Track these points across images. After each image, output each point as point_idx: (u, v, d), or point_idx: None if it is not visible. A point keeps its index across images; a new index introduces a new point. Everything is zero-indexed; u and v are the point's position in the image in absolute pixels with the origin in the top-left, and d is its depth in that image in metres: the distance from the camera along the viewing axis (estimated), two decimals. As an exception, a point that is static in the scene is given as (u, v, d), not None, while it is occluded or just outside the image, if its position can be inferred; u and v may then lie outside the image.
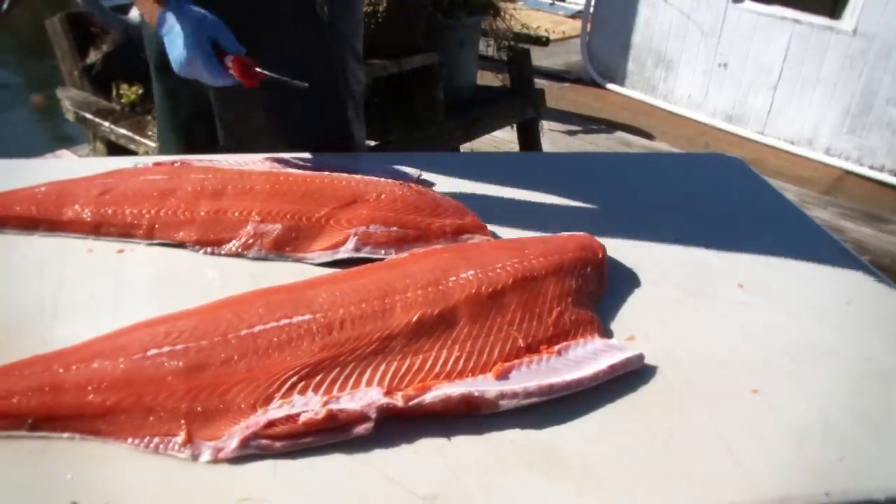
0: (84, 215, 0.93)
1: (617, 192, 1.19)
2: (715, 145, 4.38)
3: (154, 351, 0.68)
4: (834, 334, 0.88)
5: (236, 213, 0.92)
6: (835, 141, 4.30)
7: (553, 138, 4.01)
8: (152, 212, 0.92)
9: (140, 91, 1.95)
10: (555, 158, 1.31)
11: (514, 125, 3.13)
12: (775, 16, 4.43)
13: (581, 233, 0.96)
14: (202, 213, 0.92)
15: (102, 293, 0.84)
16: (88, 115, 2.01)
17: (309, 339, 0.70)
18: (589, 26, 5.48)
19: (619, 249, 0.99)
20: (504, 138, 3.25)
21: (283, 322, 0.72)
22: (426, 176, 1.14)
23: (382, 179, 1.01)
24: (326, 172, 1.01)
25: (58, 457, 0.61)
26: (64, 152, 2.70)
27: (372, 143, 2.51)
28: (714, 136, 4.58)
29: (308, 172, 1.01)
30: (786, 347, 0.84)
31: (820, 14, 4.27)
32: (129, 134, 1.88)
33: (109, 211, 0.93)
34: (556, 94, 4.91)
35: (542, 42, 3.31)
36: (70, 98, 2.11)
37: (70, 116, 2.09)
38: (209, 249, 0.90)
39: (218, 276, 0.87)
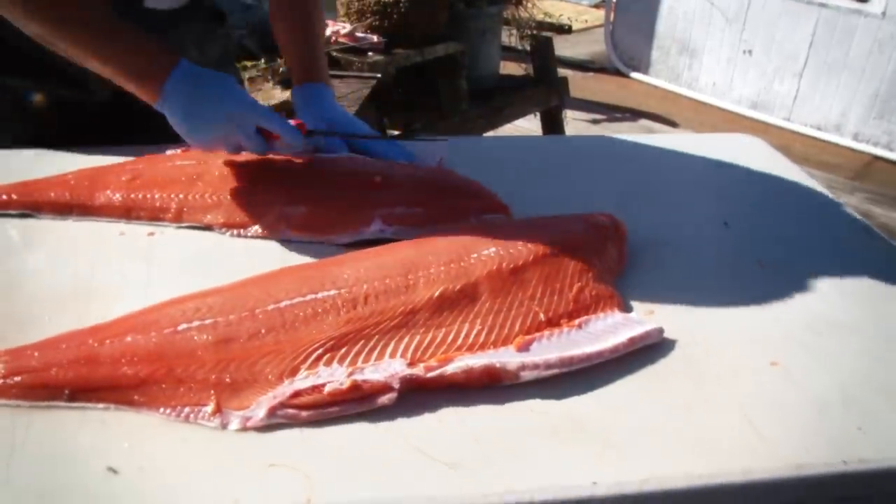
0: (115, 200, 0.96)
1: (639, 173, 1.19)
2: (740, 132, 4.33)
3: (184, 325, 0.71)
4: (855, 310, 0.88)
5: (262, 197, 0.94)
6: (863, 126, 4.24)
7: (576, 127, 4.00)
8: (181, 196, 0.95)
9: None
10: (576, 141, 1.32)
11: (538, 114, 3.13)
12: (801, 0, 4.37)
13: (602, 212, 0.97)
14: (229, 197, 0.94)
15: (134, 274, 0.86)
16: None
17: (334, 313, 0.72)
18: (612, 15, 5.45)
19: (641, 227, 0.99)
20: (527, 127, 3.26)
21: (308, 297, 0.74)
22: (450, 160, 1.16)
23: (406, 163, 1.03)
24: (350, 156, 1.03)
25: (94, 426, 0.64)
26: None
27: (395, 132, 2.54)
28: (739, 124, 4.54)
29: (333, 156, 1.02)
30: (806, 321, 0.85)
31: (847, -3, 4.21)
32: None
33: (140, 195, 0.96)
34: (580, 84, 4.90)
35: (565, 30, 3.32)
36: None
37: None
38: (236, 232, 0.92)
39: (245, 258, 0.89)
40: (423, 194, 0.96)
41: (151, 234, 0.94)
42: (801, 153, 4.08)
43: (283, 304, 0.73)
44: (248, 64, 2.05)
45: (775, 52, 4.58)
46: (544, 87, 2.97)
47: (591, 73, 5.35)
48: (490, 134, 2.82)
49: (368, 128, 1.10)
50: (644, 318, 0.81)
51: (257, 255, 0.89)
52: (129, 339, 0.69)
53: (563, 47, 5.40)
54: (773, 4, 4.54)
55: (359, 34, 2.41)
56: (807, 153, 4.10)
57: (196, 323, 0.71)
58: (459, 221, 0.94)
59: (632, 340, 0.75)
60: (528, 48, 3.02)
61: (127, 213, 0.95)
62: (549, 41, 2.99)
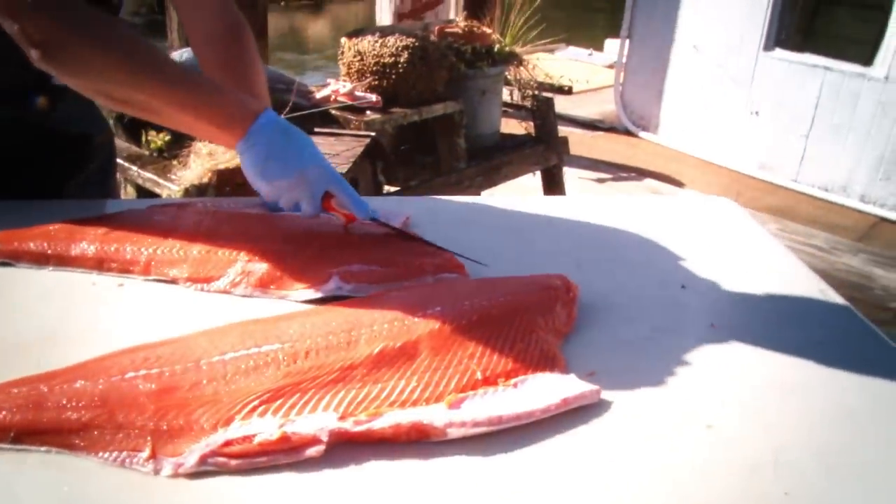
0: (89, 252, 1.00)
1: (604, 235, 1.22)
2: (746, 193, 4.37)
3: (131, 373, 0.74)
4: (804, 373, 0.89)
5: (226, 253, 0.98)
6: (870, 188, 4.26)
7: (581, 185, 4.05)
8: (150, 250, 0.99)
9: (167, 138, 2.06)
10: (551, 201, 1.36)
11: (538, 172, 3.19)
12: (807, 63, 4.44)
13: (557, 274, 0.99)
14: (195, 253, 0.99)
15: (100, 323, 0.90)
16: (119, 161, 2.13)
17: (274, 366, 0.75)
18: (622, 75, 5.56)
19: (597, 289, 1.02)
20: (527, 185, 3.31)
21: (252, 350, 0.77)
22: (416, 219, 1.20)
23: (368, 222, 1.07)
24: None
25: (35, 468, 0.67)
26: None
27: (393, 188, 2.60)
28: (746, 184, 4.58)
29: (298, 215, 1.07)
30: (750, 384, 0.86)
31: (851, 61, 4.27)
32: (154, 177, 1.99)
33: (112, 248, 1.00)
34: (588, 143, 4.98)
35: (565, 91, 3.38)
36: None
37: (103, 162, 2.21)
38: (200, 287, 0.96)
39: (207, 312, 0.93)
40: (381, 253, 1.00)
41: (122, 285, 0.98)
42: (808, 214, 4.09)
43: (227, 357, 0.76)
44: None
45: (782, 113, 4.64)
46: (544, 146, 3.03)
47: (600, 132, 5.43)
48: (489, 191, 2.88)
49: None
50: (583, 379, 0.83)
51: (218, 310, 0.93)
52: (77, 384, 0.73)
53: (574, 107, 5.50)
54: (779, 67, 4.62)
55: (358, 93, 2.49)
56: (813, 214, 4.11)
57: (143, 371, 0.74)
58: (415, 279, 0.98)
59: (565, 401, 0.77)
60: (530, 107, 3.09)
61: (99, 264, 1.00)
62: (549, 101, 3.06)
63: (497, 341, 0.84)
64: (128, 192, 2.03)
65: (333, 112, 2.40)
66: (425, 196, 1.39)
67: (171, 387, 0.73)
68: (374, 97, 2.48)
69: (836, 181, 4.38)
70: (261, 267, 0.97)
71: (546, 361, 0.84)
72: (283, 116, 2.19)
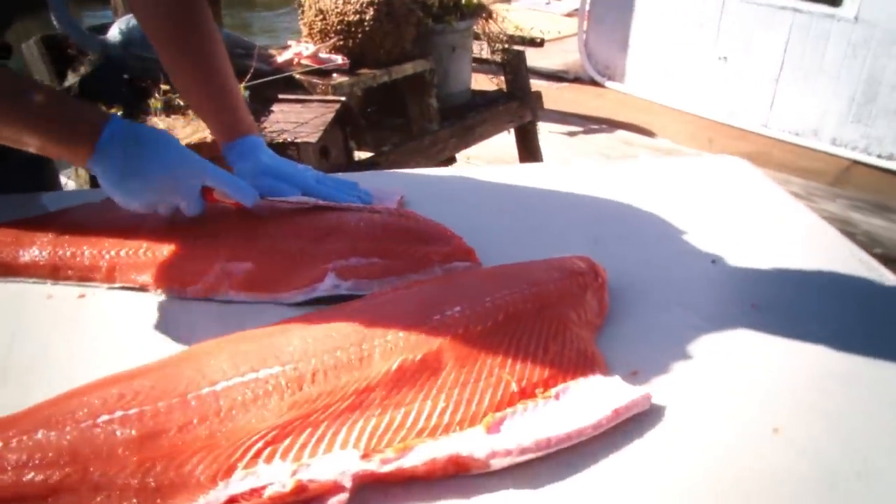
0: (41, 258, 0.87)
1: (619, 206, 1.11)
2: (718, 140, 4.30)
3: (105, 417, 0.61)
4: (866, 358, 0.80)
5: (202, 252, 0.85)
6: (840, 131, 4.22)
7: (552, 140, 3.94)
8: (112, 252, 0.86)
9: (119, 113, 1.88)
10: (550, 171, 1.24)
11: (512, 130, 3.06)
12: (775, 6, 4.35)
13: (578, 255, 0.88)
14: (165, 253, 0.85)
15: (59, 346, 0.77)
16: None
17: (277, 395, 0.63)
18: (585, 24, 5.41)
19: (623, 271, 0.91)
20: (501, 143, 3.18)
21: (248, 377, 0.65)
22: (410, 196, 1.07)
23: (361, 205, 0.94)
24: (298, 199, 0.94)
25: (-7, 547, 0.54)
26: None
27: (366, 154, 2.45)
28: (717, 131, 4.51)
29: (279, 200, 0.93)
30: (810, 376, 0.77)
31: (820, 2, 4.19)
32: None
33: (68, 252, 0.86)
34: (555, 95, 4.85)
35: (537, 43, 3.24)
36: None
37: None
38: (174, 293, 0.83)
39: (184, 323, 0.80)
40: (380, 242, 0.87)
41: (82, 296, 0.84)
42: (779, 159, 4.04)
43: (219, 387, 0.64)
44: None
45: (750, 57, 4.56)
46: (517, 103, 2.90)
47: (565, 84, 5.31)
48: (463, 153, 2.75)
49: (313, 171, 1.01)
50: (628, 380, 0.73)
51: (197, 320, 0.80)
52: (39, 434, 0.60)
53: (536, 58, 5.35)
54: (746, 10, 4.52)
55: (322, 55, 2.32)
56: (785, 159, 4.07)
57: (119, 413, 0.62)
58: (421, 271, 0.86)
59: (616, 413, 0.67)
60: (500, 61, 2.95)
61: (55, 272, 0.86)
62: (521, 55, 2.92)
63: (528, 343, 0.73)
64: (80, 178, 1.85)
65: (298, 77, 2.23)
66: (408, 170, 1.26)
67: (155, 431, 0.60)
68: (340, 59, 2.32)
69: (807, 125, 4.34)
70: (243, 266, 0.84)
71: (585, 363, 0.73)
72: (244, 84, 2.03)
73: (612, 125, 4.44)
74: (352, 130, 2.19)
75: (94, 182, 1.87)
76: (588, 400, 0.68)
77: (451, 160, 2.68)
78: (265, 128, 1.95)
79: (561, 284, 0.81)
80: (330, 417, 0.63)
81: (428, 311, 0.73)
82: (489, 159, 3.55)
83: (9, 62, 1.04)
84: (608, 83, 5.31)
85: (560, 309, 0.78)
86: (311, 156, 1.97)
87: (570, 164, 1.30)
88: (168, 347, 0.76)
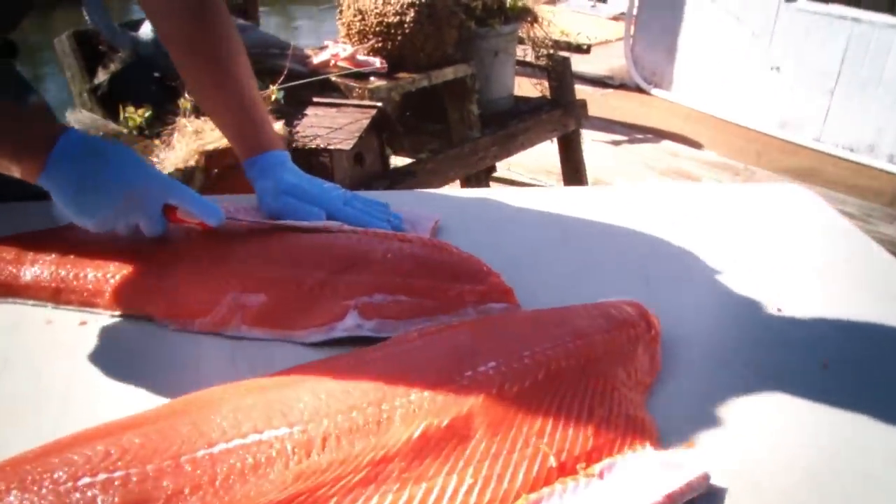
0: (43, 278, 0.80)
1: (672, 240, 1.01)
2: (767, 154, 4.15)
3: (86, 480, 0.54)
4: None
5: (213, 282, 0.78)
6: (899, 148, 4.04)
7: (596, 150, 3.83)
8: (117, 276, 0.79)
9: (147, 114, 1.84)
10: (597, 195, 1.15)
11: (555, 139, 2.96)
12: (832, 15, 4.18)
13: (628, 300, 0.79)
14: (172, 280, 0.78)
15: (53, 380, 0.70)
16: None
17: (282, 463, 0.56)
18: (632, 29, 5.28)
19: (677, 318, 0.82)
20: (544, 151, 3.08)
21: (250, 439, 0.57)
22: (445, 221, 0.99)
23: (390, 232, 0.86)
24: (324, 224, 0.86)
25: None
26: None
27: (402, 161, 2.38)
28: (766, 144, 4.35)
29: (301, 225, 0.86)
30: (885, 453, 0.67)
31: (882, 11, 4.01)
32: None
33: (70, 274, 0.80)
34: (599, 101, 4.73)
35: (584, 50, 3.13)
36: (78, 121, 2.01)
37: (76, 141, 1.97)
38: (181, 324, 0.76)
39: (190, 359, 0.73)
40: (409, 277, 0.79)
41: (83, 323, 0.77)
42: (832, 176, 3.88)
43: (216, 449, 0.56)
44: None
45: (805, 68, 4.38)
46: (561, 111, 2.80)
47: (610, 90, 5.18)
48: (504, 161, 2.66)
49: (341, 191, 0.94)
50: (683, 454, 0.64)
51: (205, 357, 0.73)
52: (12, 497, 0.53)
53: (581, 62, 5.22)
54: (801, 19, 4.35)
55: (360, 57, 2.25)
56: (838, 176, 3.90)
57: (102, 476, 0.54)
58: (453, 313, 0.77)
59: (670, 498, 0.58)
60: (545, 66, 2.85)
61: (56, 295, 0.79)
62: (566, 62, 2.82)
63: (571, 408, 0.64)
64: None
65: (334, 79, 2.16)
66: (443, 191, 1.18)
67: (141, 499, 0.53)
68: (378, 61, 2.24)
69: (863, 141, 4.15)
70: (257, 298, 0.76)
71: (634, 431, 0.64)
72: (277, 85, 1.97)
73: (657, 135, 4.31)
74: (388, 136, 2.12)
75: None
76: (637, 480, 0.59)
77: (491, 169, 2.59)
78: (297, 132, 1.88)
79: (609, 337, 0.72)
80: (341, 492, 0.54)
81: (458, 366, 0.65)
82: (531, 168, 3.46)
83: (14, 60, 0.97)
84: (654, 90, 5.16)
85: (607, 366, 0.69)
86: (345, 163, 1.90)
87: (616, 186, 1.20)
88: (171, 386, 0.69)
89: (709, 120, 4.70)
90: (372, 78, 2.22)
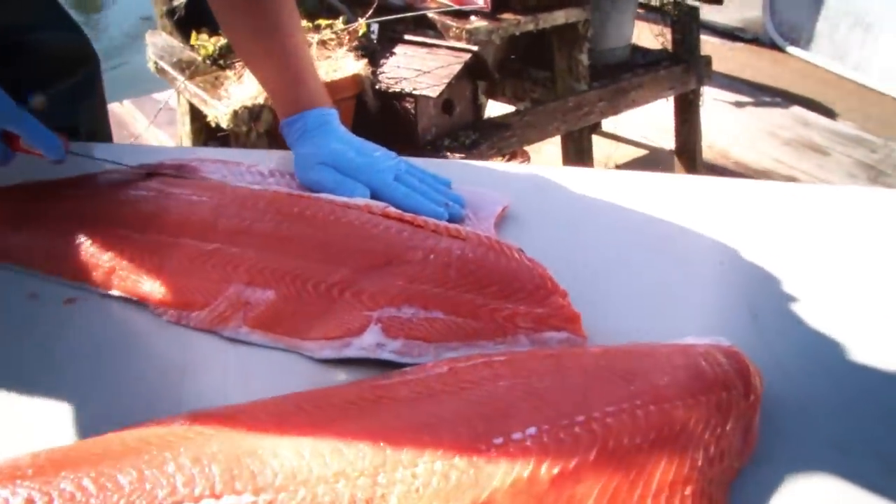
0: (35, 243, 0.70)
1: (786, 261, 0.81)
2: (915, 130, 3.69)
3: (-5, 534, 0.43)
4: None
5: (217, 270, 0.65)
6: None
7: (716, 110, 3.50)
8: (114, 252, 0.67)
9: (221, 42, 1.72)
10: (714, 187, 0.95)
11: (671, 98, 2.69)
12: None
13: (724, 345, 0.62)
14: (173, 260, 0.66)
15: (30, 364, 0.61)
16: (166, 66, 1.80)
17: (236, 546, 0.43)
18: (774, -24, 4.78)
19: (783, 373, 0.64)
20: (658, 111, 2.82)
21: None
22: (517, 206, 0.83)
23: (441, 224, 0.71)
24: (363, 202, 0.72)
25: None
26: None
27: (498, 111, 2.19)
28: (916, 120, 3.87)
29: (335, 201, 0.71)
30: None
31: None
32: (201, 93, 1.63)
33: (63, 241, 0.69)
34: (726, 56, 4.34)
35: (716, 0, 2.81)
36: (153, 44, 1.92)
37: (151, 66, 1.90)
38: (175, 315, 0.64)
39: (176, 361, 0.61)
40: (452, 287, 0.64)
41: (70, 301, 0.67)
42: None
43: (158, 514, 0.44)
44: (323, 24, 1.74)
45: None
46: (682, 67, 2.52)
47: (739, 44, 4.74)
48: (612, 119, 2.43)
49: (395, 161, 0.79)
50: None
51: (194, 361, 0.61)
52: None
53: (710, 10, 4.79)
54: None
55: (462, -6, 2.05)
56: None
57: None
58: (499, 339, 0.62)
59: None
60: (670, 14, 2.57)
61: (45, 263, 0.69)
62: (694, 12, 2.53)
63: (625, 503, 0.48)
64: (182, 108, 1.70)
65: (431, 16, 1.98)
66: (517, 167, 1.01)
67: (48, 575, 0.41)
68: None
69: None
70: (264, 295, 0.63)
71: (709, 542, 0.48)
72: (366, 18, 1.81)
73: (787, 99, 3.91)
74: (486, 83, 1.94)
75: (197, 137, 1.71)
76: None
77: (595, 126, 2.37)
78: (382, 73, 1.73)
79: (694, 403, 0.55)
80: None
81: (487, 427, 0.50)
82: (640, 127, 3.18)
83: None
84: (790, 48, 4.68)
85: (686, 447, 0.52)
86: (431, 110, 1.74)
87: (740, 181, 1.00)
88: (147, 392, 0.58)
89: (848, 86, 4.23)
90: (473, 17, 2.03)
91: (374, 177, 0.76)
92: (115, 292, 0.66)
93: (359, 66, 1.66)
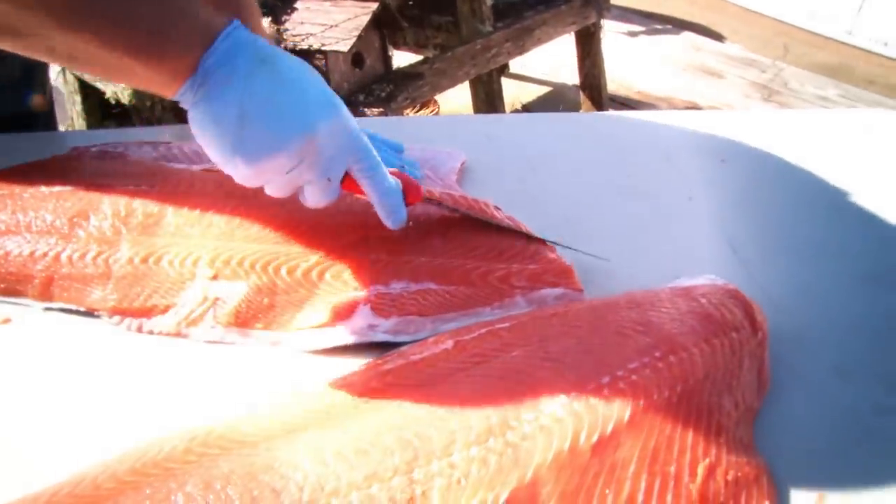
0: (-47, 257, 0.61)
1: (756, 190, 0.81)
2: (794, 47, 3.85)
3: None
4: None
5: (176, 262, 0.58)
6: (939, 42, 3.73)
7: (612, 42, 3.52)
8: (50, 255, 0.59)
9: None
10: (659, 119, 0.94)
11: (573, 34, 2.68)
12: None
13: (720, 283, 0.61)
14: (124, 260, 0.59)
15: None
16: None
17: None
18: None
19: (777, 306, 0.63)
20: (558, 49, 2.81)
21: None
22: (470, 161, 0.79)
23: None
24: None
25: None
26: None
27: (405, 60, 2.12)
28: (793, 37, 4.03)
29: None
30: None
31: None
32: None
33: (-9, 251, 0.60)
34: (614, -13, 4.36)
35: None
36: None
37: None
38: (133, 323, 0.57)
39: (142, 377, 0.54)
40: (440, 255, 0.60)
41: (7, 320, 0.59)
42: (865, 74, 3.61)
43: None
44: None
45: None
46: (581, 1, 2.51)
47: (626, -27, 4.78)
48: (518, 59, 2.40)
49: None
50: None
51: (162, 371, 0.55)
52: None
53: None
54: None
55: (360, -60, 1.95)
56: (872, 74, 3.63)
57: None
58: (496, 304, 0.59)
59: None
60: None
61: (-28, 279, 0.60)
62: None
63: (668, 460, 0.47)
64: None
65: (329, -35, 1.88)
66: (465, 115, 0.96)
67: None
68: (378, -56, 1.95)
69: (899, 34, 3.84)
70: (235, 288, 0.57)
71: (748, 488, 0.47)
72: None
73: (677, 25, 3.98)
74: (390, 33, 1.86)
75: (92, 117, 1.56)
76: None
77: (503, 67, 2.34)
78: (287, 30, 1.63)
79: (709, 348, 0.53)
80: None
81: (515, 402, 0.47)
82: (544, 68, 3.17)
83: None
84: (673, -25, 4.77)
85: (712, 392, 0.51)
86: (342, 66, 1.66)
87: (694, 112, 0.98)
88: (115, 417, 0.51)
89: (731, 9, 4.34)
90: (372, -36, 1.94)
91: None
92: (56, 304, 0.59)
93: (263, 25, 1.55)
